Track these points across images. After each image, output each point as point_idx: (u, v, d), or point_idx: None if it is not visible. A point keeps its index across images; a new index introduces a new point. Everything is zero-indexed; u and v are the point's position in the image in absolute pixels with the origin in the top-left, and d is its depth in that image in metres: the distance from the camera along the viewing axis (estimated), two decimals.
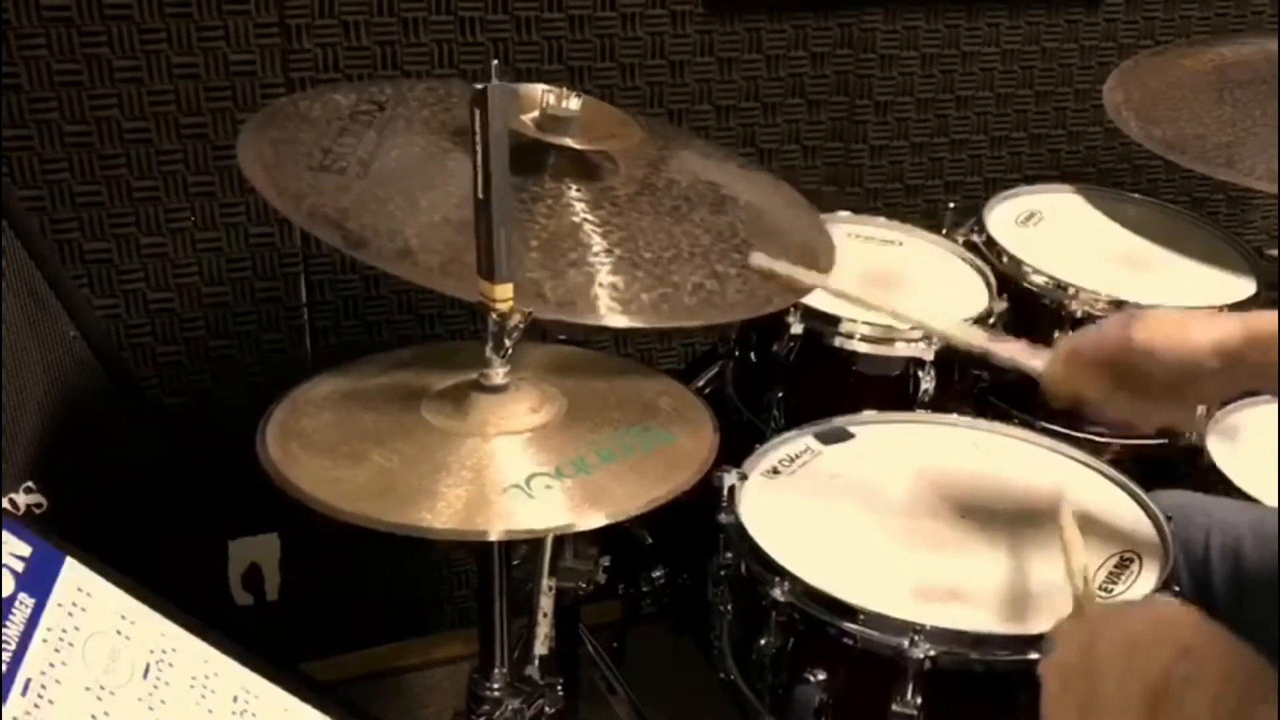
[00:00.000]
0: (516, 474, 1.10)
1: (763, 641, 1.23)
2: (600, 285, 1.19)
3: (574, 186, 1.29)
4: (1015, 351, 1.25)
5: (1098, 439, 1.58)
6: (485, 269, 1.09)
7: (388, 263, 1.17)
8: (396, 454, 1.12)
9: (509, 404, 1.17)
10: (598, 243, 1.24)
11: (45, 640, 0.90)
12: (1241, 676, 0.87)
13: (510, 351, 1.15)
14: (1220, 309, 1.57)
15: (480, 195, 1.06)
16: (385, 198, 1.22)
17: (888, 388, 1.51)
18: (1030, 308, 1.60)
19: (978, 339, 1.33)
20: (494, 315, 1.11)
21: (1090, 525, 1.29)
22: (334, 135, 1.30)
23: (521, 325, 1.13)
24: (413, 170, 1.28)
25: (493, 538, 1.08)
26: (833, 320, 1.50)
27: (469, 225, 1.09)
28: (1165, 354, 1.13)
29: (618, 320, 1.18)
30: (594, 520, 1.08)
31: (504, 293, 1.09)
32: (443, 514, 1.05)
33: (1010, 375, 1.60)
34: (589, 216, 1.26)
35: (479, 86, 1.03)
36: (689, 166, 1.45)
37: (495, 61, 1.04)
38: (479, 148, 1.04)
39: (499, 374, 1.16)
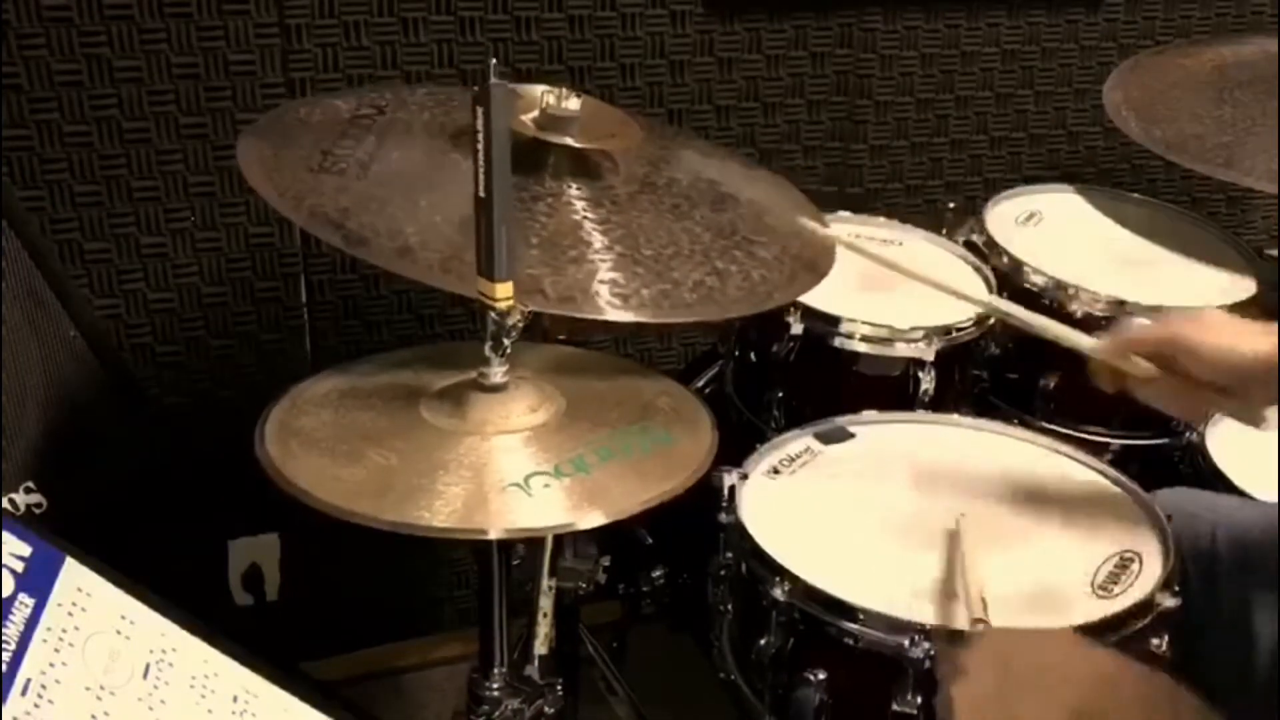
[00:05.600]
0: (515, 472, 1.10)
1: (763, 641, 1.22)
2: (601, 281, 1.19)
3: (574, 185, 1.29)
4: (1067, 330, 1.29)
5: (1098, 439, 1.58)
6: (485, 267, 1.09)
7: (388, 261, 1.17)
8: (395, 452, 1.12)
9: (508, 403, 1.17)
10: (598, 240, 1.24)
11: (45, 640, 0.90)
12: (1167, 710, 0.88)
13: (509, 350, 1.15)
14: (1220, 309, 1.57)
15: (481, 194, 1.06)
16: (385, 198, 1.22)
17: (888, 388, 1.51)
18: (1030, 308, 1.60)
19: (1038, 321, 1.35)
20: (493, 314, 1.11)
21: (1090, 525, 1.30)
22: (334, 139, 1.30)
23: (520, 324, 1.13)
24: (413, 172, 1.28)
25: (492, 536, 1.07)
26: (833, 320, 1.50)
27: (469, 224, 1.09)
28: (1210, 358, 1.14)
29: (619, 315, 1.18)
30: (593, 519, 1.08)
31: (504, 291, 1.09)
32: (441, 512, 1.05)
33: (1010, 375, 1.63)
34: (589, 214, 1.26)
35: (479, 87, 1.03)
36: (689, 165, 1.45)
37: (494, 60, 1.04)
38: (480, 146, 1.04)
39: (498, 373, 1.16)
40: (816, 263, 1.38)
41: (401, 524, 1.04)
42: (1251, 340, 1.14)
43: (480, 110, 1.03)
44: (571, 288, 1.18)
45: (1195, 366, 1.15)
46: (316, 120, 1.35)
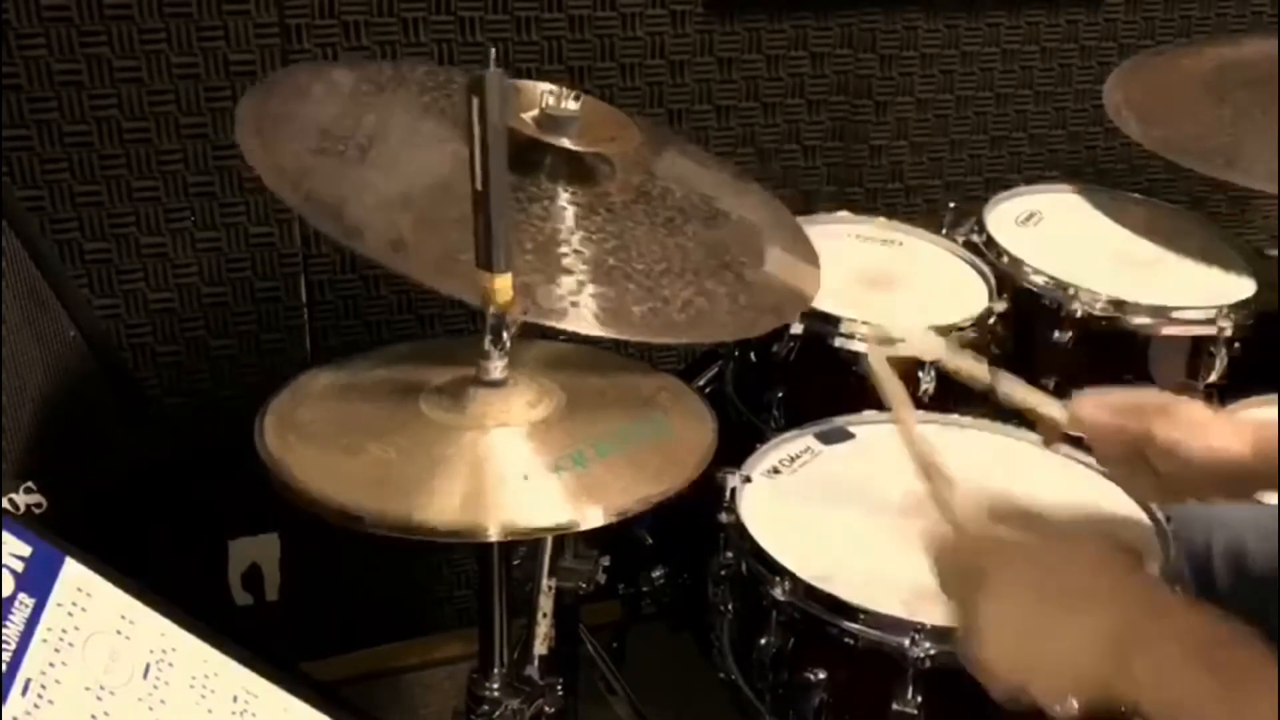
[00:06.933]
0: (514, 468, 1.10)
1: (763, 641, 1.22)
2: (590, 295, 1.19)
3: (569, 189, 1.28)
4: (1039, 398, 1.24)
5: None
6: (484, 260, 1.08)
7: (382, 255, 1.17)
8: (394, 447, 1.12)
9: (507, 398, 1.16)
10: (590, 250, 1.23)
11: (45, 640, 0.90)
12: (1218, 642, 0.82)
13: (508, 345, 1.15)
14: (1220, 309, 1.57)
15: (479, 186, 1.05)
16: (382, 187, 1.22)
17: None
18: (1030, 308, 1.60)
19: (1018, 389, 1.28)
20: (492, 308, 1.11)
21: (1091, 525, 1.29)
22: (333, 117, 1.30)
23: (520, 319, 1.12)
24: (410, 160, 1.28)
25: (491, 534, 1.07)
26: (833, 320, 1.50)
27: (467, 220, 1.09)
28: (1200, 463, 1.09)
29: (606, 331, 1.17)
30: (593, 516, 1.08)
31: (503, 283, 1.09)
32: (441, 508, 1.05)
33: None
34: (583, 222, 1.26)
35: (476, 74, 1.02)
36: (684, 176, 1.44)
37: (493, 50, 1.03)
38: (476, 137, 1.03)
39: (497, 368, 1.16)
40: (801, 291, 1.38)
41: (400, 521, 1.04)
42: (1235, 439, 1.08)
43: (476, 100, 1.02)
44: (562, 299, 1.17)
45: (1172, 466, 1.10)
46: (317, 93, 1.34)
